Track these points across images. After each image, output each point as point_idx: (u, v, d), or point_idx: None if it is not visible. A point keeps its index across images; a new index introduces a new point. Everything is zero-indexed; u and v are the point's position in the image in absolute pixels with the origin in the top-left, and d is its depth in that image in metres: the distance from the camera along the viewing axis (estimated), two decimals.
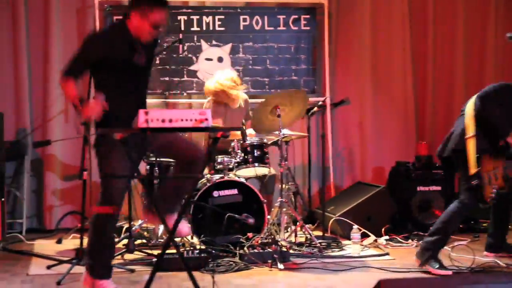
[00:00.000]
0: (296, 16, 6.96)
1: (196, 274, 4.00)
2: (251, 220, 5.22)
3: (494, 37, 7.18)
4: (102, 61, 3.98)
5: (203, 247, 5.11)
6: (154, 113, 3.51)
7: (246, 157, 5.53)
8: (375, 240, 5.70)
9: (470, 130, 4.62)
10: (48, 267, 4.85)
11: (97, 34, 4.14)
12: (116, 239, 5.28)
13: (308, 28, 6.99)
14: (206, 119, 3.56)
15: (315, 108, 6.00)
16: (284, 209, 5.41)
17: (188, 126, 3.55)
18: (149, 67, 4.18)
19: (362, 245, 5.56)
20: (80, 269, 4.67)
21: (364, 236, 5.72)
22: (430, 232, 4.75)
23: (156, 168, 5.46)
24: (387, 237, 5.81)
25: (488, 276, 4.39)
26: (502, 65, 7.20)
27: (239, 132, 5.38)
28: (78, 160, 5.15)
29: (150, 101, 6.26)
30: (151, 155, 5.37)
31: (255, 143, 5.57)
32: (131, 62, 3.99)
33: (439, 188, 6.32)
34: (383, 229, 5.92)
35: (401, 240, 5.79)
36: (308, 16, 6.99)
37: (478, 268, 4.74)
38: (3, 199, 5.45)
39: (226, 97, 5.86)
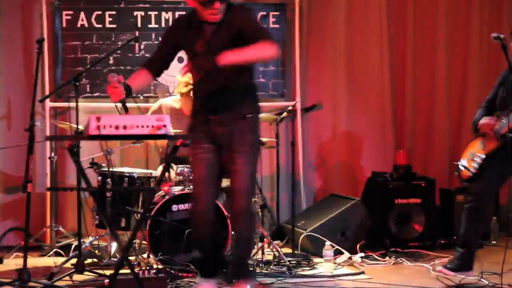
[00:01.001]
0: (264, 13, 6.98)
1: None
2: None
3: (479, 36, 7.24)
4: (178, 48, 4.26)
5: (160, 266, 5.08)
6: (107, 119, 3.51)
7: None
8: (350, 258, 5.74)
9: None
10: None
11: (175, 19, 4.38)
12: (64, 258, 5.25)
13: (277, 26, 7.00)
14: (165, 126, 3.57)
15: (284, 114, 6.01)
16: None
17: (144, 133, 3.56)
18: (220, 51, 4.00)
19: (335, 263, 5.59)
20: None
21: (337, 253, 5.76)
22: None
23: (109, 180, 5.44)
24: (362, 254, 5.86)
25: None
26: (487, 67, 7.18)
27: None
28: (22, 170, 5.10)
29: (107, 105, 6.26)
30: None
31: None
32: (194, 48, 4.13)
33: (419, 200, 6.35)
34: (358, 246, 5.97)
35: (377, 258, 5.84)
36: (277, 13, 7.01)
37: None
38: None
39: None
